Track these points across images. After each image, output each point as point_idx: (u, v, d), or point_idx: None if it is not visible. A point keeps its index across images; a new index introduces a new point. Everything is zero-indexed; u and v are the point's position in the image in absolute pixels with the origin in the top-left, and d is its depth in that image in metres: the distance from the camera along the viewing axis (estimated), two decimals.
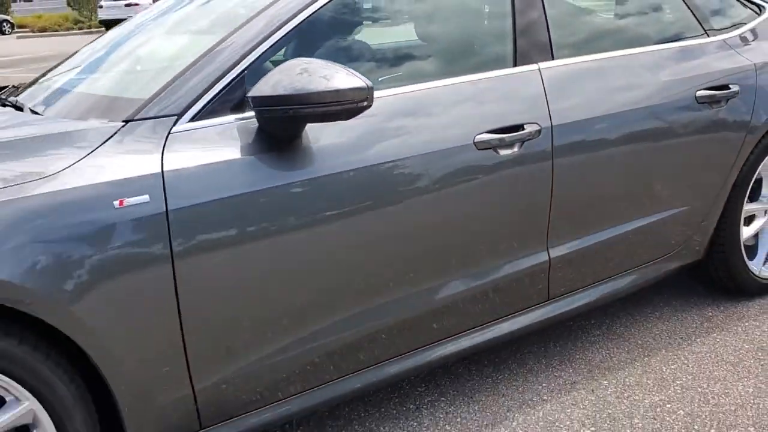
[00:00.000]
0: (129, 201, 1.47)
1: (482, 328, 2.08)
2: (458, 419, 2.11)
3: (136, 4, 27.48)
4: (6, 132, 1.67)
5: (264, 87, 1.58)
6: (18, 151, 1.54)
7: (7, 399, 1.44)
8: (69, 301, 1.41)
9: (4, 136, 1.62)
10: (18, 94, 2.15)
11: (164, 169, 1.53)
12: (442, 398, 2.21)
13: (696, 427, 2.02)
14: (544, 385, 2.26)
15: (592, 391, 2.22)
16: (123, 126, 1.59)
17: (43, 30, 28.40)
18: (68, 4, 35.35)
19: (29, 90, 2.16)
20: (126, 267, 1.47)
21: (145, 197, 1.49)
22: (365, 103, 1.59)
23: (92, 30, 28.58)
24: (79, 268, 1.42)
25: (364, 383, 1.90)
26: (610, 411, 2.11)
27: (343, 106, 1.58)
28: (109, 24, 27.62)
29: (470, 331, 2.06)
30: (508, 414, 2.12)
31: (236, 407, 1.71)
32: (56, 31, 28.24)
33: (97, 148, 1.52)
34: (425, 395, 2.23)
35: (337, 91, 1.56)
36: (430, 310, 1.94)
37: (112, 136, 1.56)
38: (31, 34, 28.23)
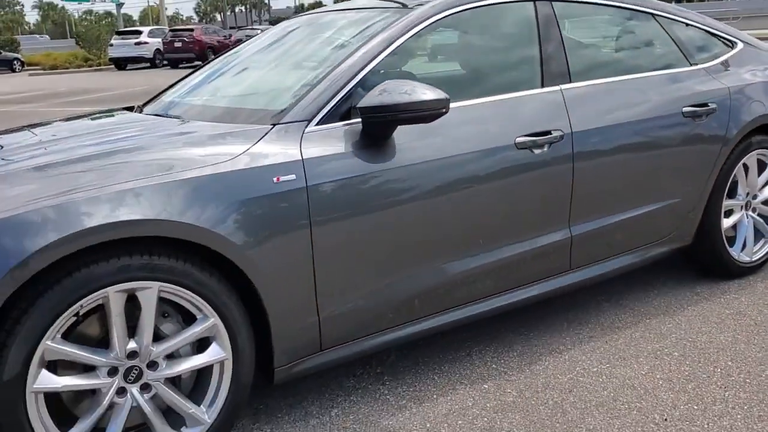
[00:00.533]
0: (283, 178, 2.09)
1: (527, 286, 2.70)
2: (502, 361, 2.69)
3: (146, 43, 28.35)
4: (191, 130, 2.31)
5: (370, 100, 2.21)
6: (208, 142, 2.16)
7: (198, 316, 2.03)
8: (246, 247, 2.01)
9: (194, 134, 2.25)
10: (141, 110, 2.82)
11: (303, 157, 2.15)
12: (487, 348, 2.80)
13: (687, 362, 2.61)
14: (567, 339, 2.86)
15: (606, 342, 2.81)
16: (272, 128, 2.21)
17: (54, 68, 29.26)
18: (77, 43, 36.32)
19: (165, 108, 2.80)
20: (281, 225, 2.08)
21: (293, 176, 2.11)
22: (444, 110, 2.22)
23: (102, 67, 29.44)
24: (252, 224, 2.03)
25: (440, 323, 2.51)
26: (620, 354, 2.70)
27: (428, 112, 2.21)
28: (118, 62, 28.52)
29: (517, 288, 2.67)
30: (540, 358, 2.71)
31: (344, 336, 2.30)
32: (67, 68, 29.08)
33: (257, 142, 2.15)
34: (473, 346, 2.82)
35: (424, 101, 2.19)
36: (485, 270, 2.55)
37: (266, 134, 2.18)
38: (42, 71, 29.07)
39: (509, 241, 2.60)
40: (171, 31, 28.90)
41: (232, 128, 2.26)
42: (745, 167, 3.35)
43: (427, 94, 2.20)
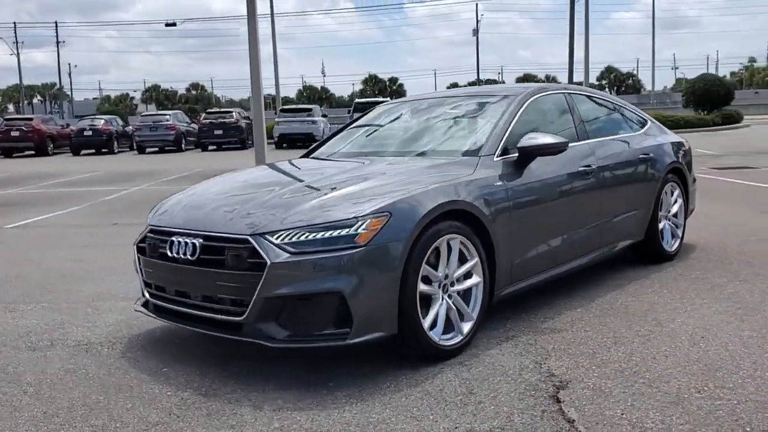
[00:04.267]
0: (497, 183, 3.80)
1: (589, 253, 4.58)
2: (550, 310, 4.49)
3: None
4: (435, 161, 3.96)
5: (526, 142, 4.01)
6: (452, 167, 3.81)
7: (469, 258, 3.62)
8: (489, 219, 3.67)
9: (439, 164, 3.89)
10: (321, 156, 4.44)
11: (499, 173, 3.88)
12: (540, 307, 4.59)
13: (648, 287, 4.59)
14: (578, 295, 4.73)
15: (599, 292, 4.73)
16: (480, 158, 3.93)
17: None
18: None
19: (361, 154, 4.39)
20: (501, 206, 3.77)
21: (500, 182, 3.83)
22: (564, 148, 4.09)
23: None
24: (489, 206, 3.69)
25: (563, 270, 4.30)
26: (614, 289, 4.63)
27: (557, 149, 4.06)
28: None
29: (587, 254, 4.55)
30: (565, 304, 4.55)
31: (522, 276, 3.99)
32: None
33: (477, 166, 3.84)
34: (540, 305, 4.60)
35: (556, 143, 4.04)
36: (576, 240, 4.39)
37: (478, 162, 3.89)
38: None
39: (585, 222, 4.49)
40: (6, 120, 28.07)
41: (455, 159, 3.95)
42: (665, 193, 5.55)
43: (556, 139, 4.06)
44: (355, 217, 3.20)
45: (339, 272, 3.10)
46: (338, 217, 3.21)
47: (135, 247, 3.81)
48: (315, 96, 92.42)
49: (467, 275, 3.65)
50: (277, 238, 3.17)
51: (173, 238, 3.47)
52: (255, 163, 14.40)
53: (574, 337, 3.80)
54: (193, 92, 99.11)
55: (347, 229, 3.17)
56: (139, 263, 3.77)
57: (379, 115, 5.23)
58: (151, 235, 3.69)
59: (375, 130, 4.92)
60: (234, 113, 28.79)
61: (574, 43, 36.26)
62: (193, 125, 30.33)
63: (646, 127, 5.65)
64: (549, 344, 3.69)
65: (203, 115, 31.54)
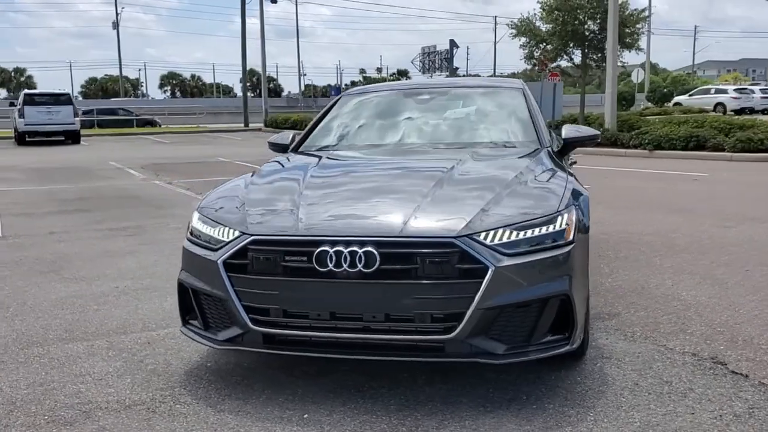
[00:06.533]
0: (571, 174, 3.82)
1: None
2: None
3: None
4: (514, 152, 3.76)
5: (571, 134, 4.09)
6: (540, 161, 3.69)
7: None
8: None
9: (518, 155, 3.73)
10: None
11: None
12: None
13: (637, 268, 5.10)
14: None
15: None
16: (549, 149, 3.88)
17: None
18: None
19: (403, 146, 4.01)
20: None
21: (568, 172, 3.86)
22: (599, 139, 4.26)
23: None
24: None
25: None
26: (596, 284, 5.02)
27: (594, 140, 4.21)
28: None
29: None
30: None
31: None
32: None
33: (551, 156, 3.80)
34: None
35: (595, 135, 4.19)
36: None
37: (550, 152, 3.84)
38: None
39: None
40: None
41: (525, 151, 3.85)
42: None
43: (594, 131, 4.22)
44: (557, 212, 2.94)
45: (562, 273, 2.83)
46: (539, 213, 2.92)
47: (222, 264, 2.93)
48: None
49: None
50: (485, 239, 2.76)
51: (325, 248, 2.76)
52: None
53: (640, 319, 3.99)
54: None
55: (551, 226, 2.89)
56: (231, 285, 2.92)
57: (364, 105, 4.73)
58: (262, 247, 2.88)
59: (396, 121, 4.47)
60: None
61: (246, 48, 36.55)
62: None
63: None
64: (632, 328, 3.83)
65: None
